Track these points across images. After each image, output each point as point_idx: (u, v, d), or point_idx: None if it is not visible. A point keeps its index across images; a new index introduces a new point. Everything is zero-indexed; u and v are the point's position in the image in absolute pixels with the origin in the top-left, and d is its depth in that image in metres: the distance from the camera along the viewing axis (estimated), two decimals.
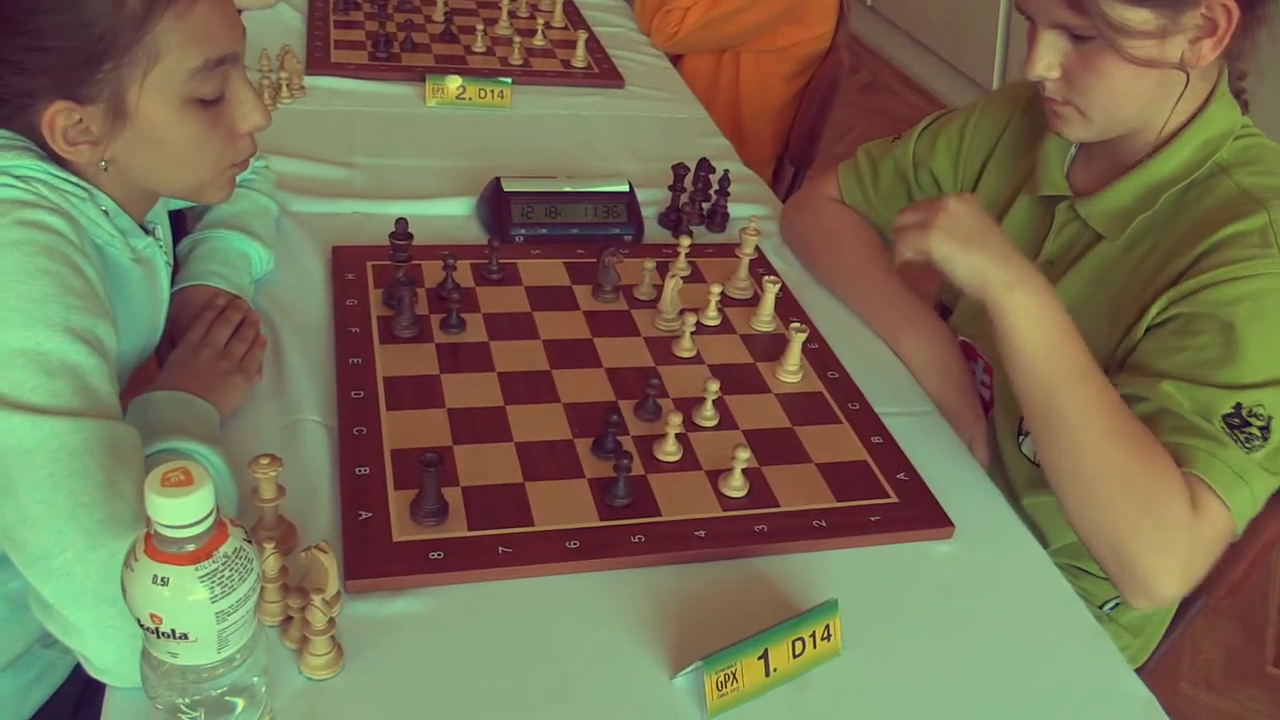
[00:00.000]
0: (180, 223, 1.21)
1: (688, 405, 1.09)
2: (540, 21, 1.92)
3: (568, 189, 1.36)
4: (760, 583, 0.92)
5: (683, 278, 1.28)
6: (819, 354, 1.21)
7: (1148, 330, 1.02)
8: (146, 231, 0.98)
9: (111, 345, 0.83)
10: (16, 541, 0.75)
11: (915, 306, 1.25)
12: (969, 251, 0.95)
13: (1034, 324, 0.93)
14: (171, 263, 1.06)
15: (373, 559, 0.87)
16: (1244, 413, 0.92)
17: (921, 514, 1.01)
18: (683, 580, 0.91)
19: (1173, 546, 0.89)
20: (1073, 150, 1.16)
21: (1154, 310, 1.01)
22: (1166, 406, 0.94)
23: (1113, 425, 0.92)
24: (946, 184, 1.30)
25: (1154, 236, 1.05)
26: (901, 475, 1.04)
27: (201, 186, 0.94)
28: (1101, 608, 1.17)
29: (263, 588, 0.79)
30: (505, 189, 1.34)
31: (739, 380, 1.15)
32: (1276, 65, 1.13)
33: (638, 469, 1.00)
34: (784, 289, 1.30)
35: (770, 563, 0.94)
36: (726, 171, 1.45)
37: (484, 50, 1.81)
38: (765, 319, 1.24)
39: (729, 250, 1.34)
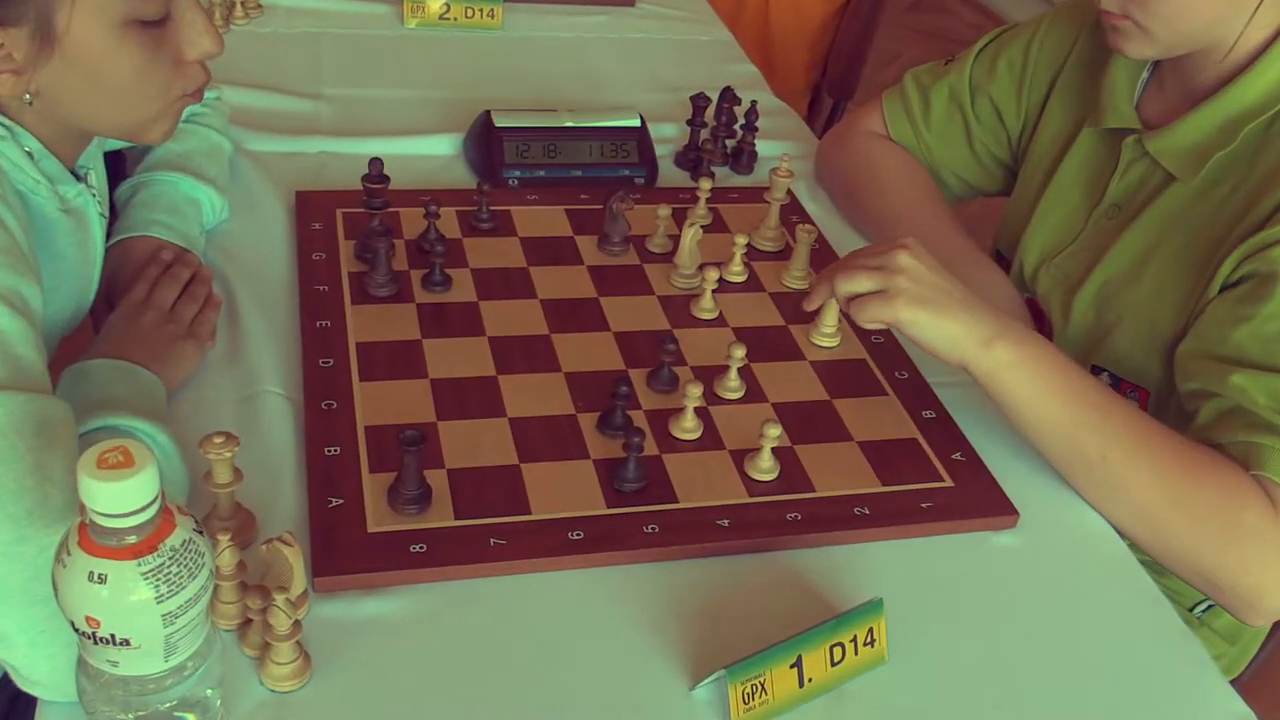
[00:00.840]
0: (118, 165, 1.21)
1: (709, 374, 1.08)
2: None
3: (569, 124, 1.35)
4: (793, 579, 0.92)
5: (703, 227, 1.27)
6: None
7: (1222, 289, 1.01)
8: (78, 177, 0.98)
9: (37, 307, 0.83)
10: None
11: (975, 259, 1.24)
12: (940, 317, 0.97)
13: (1026, 376, 0.97)
14: (107, 213, 1.06)
15: (344, 552, 0.87)
16: None
17: (980, 500, 1.00)
18: (703, 576, 0.91)
19: (1263, 558, 0.91)
20: (1144, 76, 1.14)
21: (1229, 264, 1.00)
22: (1239, 404, 0.96)
23: (1150, 453, 0.95)
24: (1008, 112, 1.29)
25: (1234, 178, 1.04)
26: (957, 455, 1.04)
27: (142, 124, 0.94)
28: (1192, 610, 1.17)
29: (217, 586, 0.79)
30: (497, 124, 1.33)
31: (768, 345, 1.14)
32: None
33: (651, 448, 1.00)
34: (820, 240, 1.29)
35: (804, 556, 0.94)
36: (754, 103, 1.44)
37: None
38: (798, 274, 1.23)
39: (757, 195, 1.34)
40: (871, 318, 0.98)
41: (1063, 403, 0.96)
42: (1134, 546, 1.01)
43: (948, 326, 0.97)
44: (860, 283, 0.99)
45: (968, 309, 0.98)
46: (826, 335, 1.14)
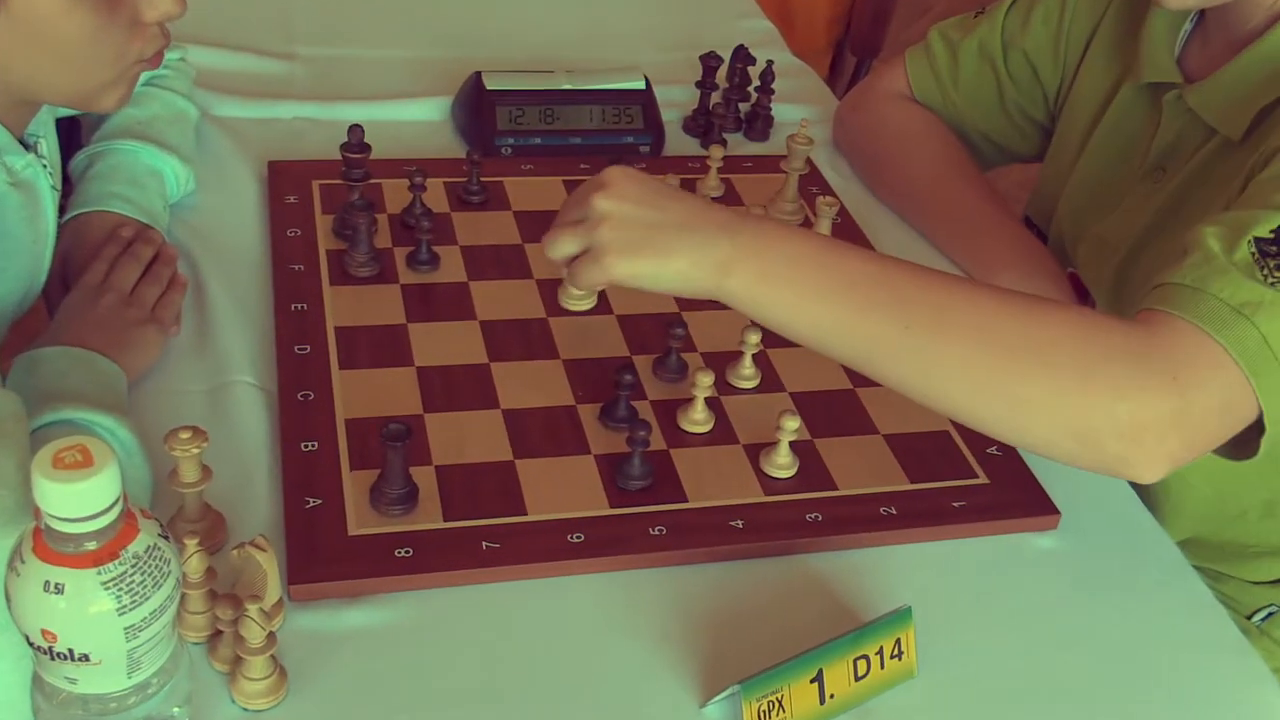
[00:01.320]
0: (72, 133, 1.21)
1: (721, 361, 1.08)
2: None
3: (567, 87, 1.35)
4: (813, 586, 0.92)
5: (714, 199, 1.26)
6: None
7: None
8: (27, 146, 0.98)
9: None
10: None
11: (1012, 232, 1.23)
12: (661, 258, 0.88)
13: (783, 285, 0.87)
14: (60, 186, 1.05)
15: (323, 558, 0.87)
16: None
17: (1018, 498, 1.00)
18: (715, 583, 0.91)
19: (1137, 378, 0.83)
20: (1187, 28, 1.13)
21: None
22: (1185, 251, 0.89)
23: (965, 302, 0.86)
24: (1044, 69, 1.28)
25: None
26: (993, 450, 1.04)
27: (94, 91, 0.93)
28: (1250, 618, 1.17)
29: (184, 595, 0.79)
30: (488, 87, 1.33)
31: None
32: None
33: (657, 443, 1.00)
34: (842, 212, 1.29)
35: (825, 560, 0.94)
36: (770, 63, 1.43)
37: None
38: None
39: (773, 164, 1.33)
40: (587, 284, 0.92)
41: (836, 296, 0.87)
42: (1187, 521, 0.96)
43: (672, 265, 0.88)
44: (565, 244, 0.93)
45: (689, 234, 0.89)
46: (576, 298, 1.11)
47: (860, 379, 1.09)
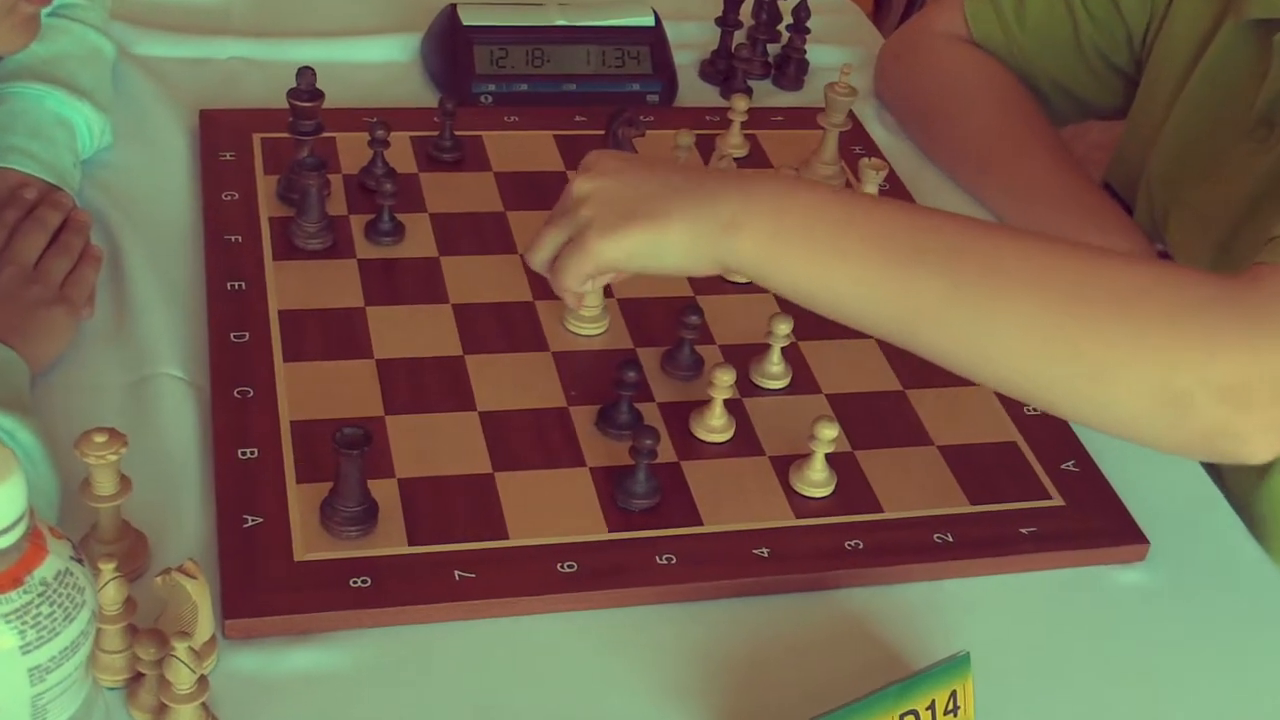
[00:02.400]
0: None
1: (744, 355, 1.08)
2: None
3: (560, 22, 1.35)
4: (852, 626, 0.92)
5: (737, 159, 1.27)
6: None
7: None
8: None
9: None
10: None
11: (1090, 201, 1.24)
12: (656, 227, 0.89)
13: (800, 244, 0.87)
14: None
15: (264, 587, 0.87)
16: None
17: (1099, 523, 1.00)
18: (735, 622, 0.92)
19: (1236, 330, 0.81)
20: None
21: None
22: None
23: (1023, 249, 0.85)
24: (1129, 3, 1.28)
25: None
26: (1069, 465, 1.04)
27: None
28: None
29: (99, 630, 0.80)
30: (465, 23, 1.33)
31: (822, 319, 1.14)
32: None
33: (666, 453, 1.00)
34: (891, 176, 1.29)
35: (868, 596, 0.94)
36: None
37: None
38: None
39: (808, 118, 1.33)
40: (574, 277, 0.92)
41: (868, 250, 0.86)
42: None
43: (671, 233, 0.89)
44: (546, 245, 0.94)
45: (687, 194, 0.89)
46: (584, 318, 1.09)
47: (911, 378, 1.09)
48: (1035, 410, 1.08)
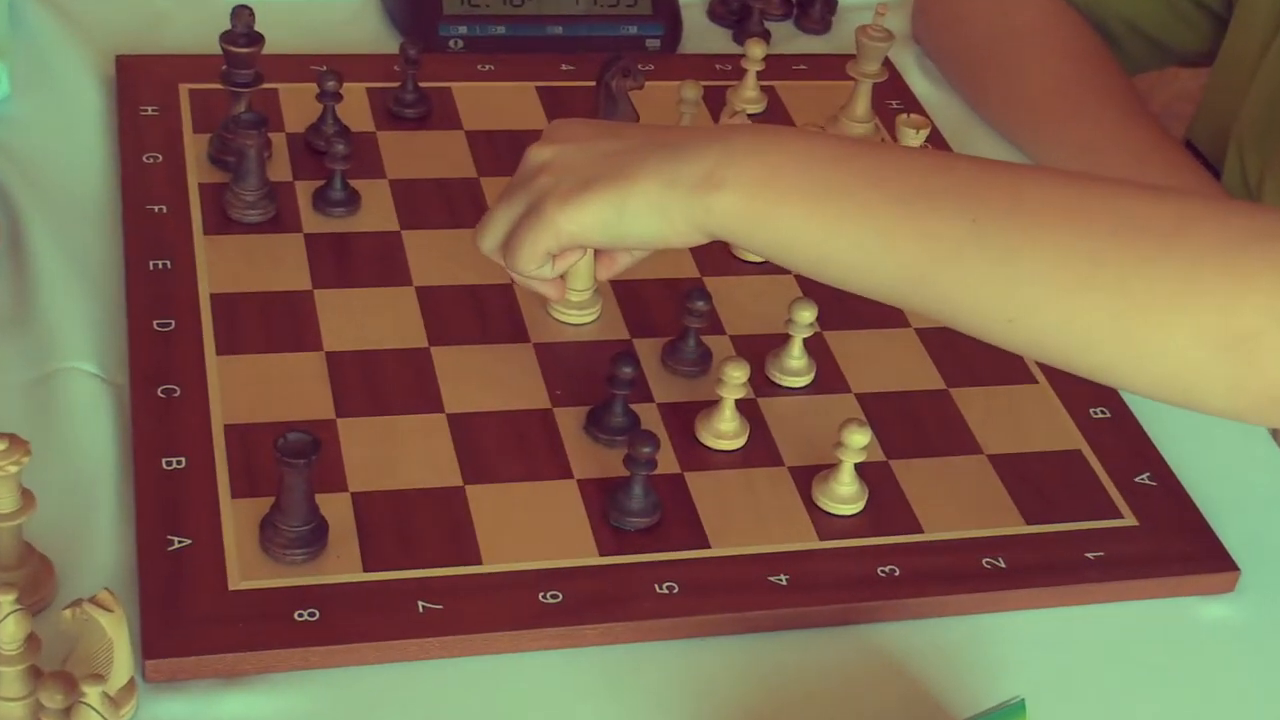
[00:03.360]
0: None
1: (759, 347, 1.09)
2: None
3: None
4: (886, 667, 0.93)
5: (751, 115, 1.27)
6: None
7: None
8: None
9: None
10: None
11: (1169, 161, 1.24)
12: (621, 188, 0.90)
13: (789, 190, 0.87)
14: None
15: (192, 621, 0.87)
16: None
17: (1180, 547, 1.00)
18: (748, 662, 0.92)
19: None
20: None
21: None
22: None
23: (1044, 185, 0.86)
24: None
25: None
26: (1144, 477, 1.04)
27: None
28: None
29: None
30: None
31: (851, 304, 1.14)
32: None
33: (667, 464, 1.00)
34: (934, 136, 1.29)
35: (905, 631, 0.95)
36: None
37: None
38: None
39: (836, 67, 1.33)
40: (530, 256, 0.93)
41: (869, 193, 0.87)
42: None
43: (637, 194, 0.89)
44: (496, 223, 0.96)
45: (658, 150, 0.90)
46: (571, 304, 1.09)
47: (956, 374, 1.09)
48: (1105, 412, 1.08)
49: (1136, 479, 1.04)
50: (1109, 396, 1.09)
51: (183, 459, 0.96)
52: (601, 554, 0.94)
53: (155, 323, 1.04)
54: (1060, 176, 0.87)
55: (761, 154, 0.88)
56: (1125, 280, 0.82)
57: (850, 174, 0.87)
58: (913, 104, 1.34)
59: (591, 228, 0.91)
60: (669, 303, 1.11)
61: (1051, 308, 0.84)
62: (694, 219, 0.89)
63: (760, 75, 1.29)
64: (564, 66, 1.31)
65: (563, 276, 1.01)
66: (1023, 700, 0.86)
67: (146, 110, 1.21)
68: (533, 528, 0.95)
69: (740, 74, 1.30)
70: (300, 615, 0.88)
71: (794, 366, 1.07)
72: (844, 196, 0.87)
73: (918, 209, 0.85)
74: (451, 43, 1.32)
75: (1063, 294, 0.83)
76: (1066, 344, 0.85)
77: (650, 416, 1.03)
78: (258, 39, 1.16)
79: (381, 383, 1.03)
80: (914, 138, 1.21)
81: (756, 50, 1.27)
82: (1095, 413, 1.08)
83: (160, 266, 1.08)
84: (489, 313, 1.09)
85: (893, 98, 1.33)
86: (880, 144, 0.89)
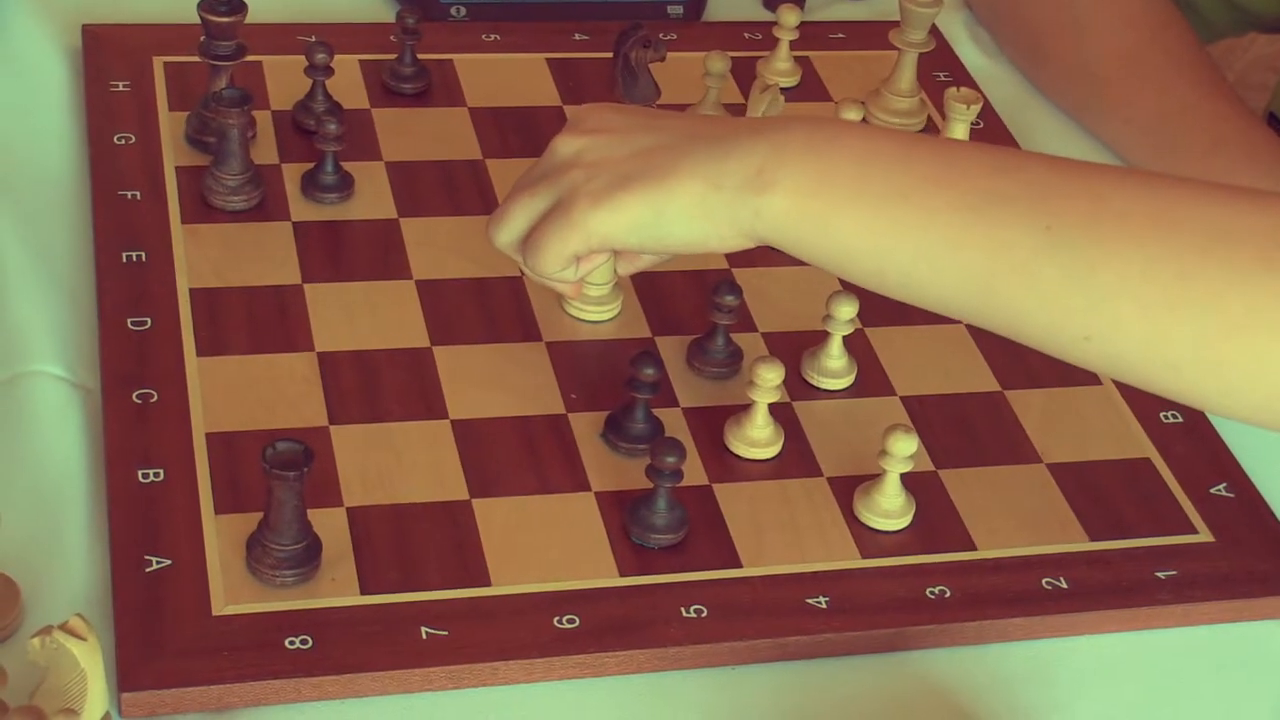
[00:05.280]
0: None
1: (794, 346, 1.09)
2: None
3: None
4: (936, 698, 0.93)
5: (785, 89, 1.27)
6: None
7: None
8: None
9: None
10: None
11: (1248, 138, 1.23)
12: (663, 187, 0.90)
13: (851, 191, 0.87)
14: None
15: (173, 650, 0.87)
16: None
17: (1261, 565, 1.01)
18: (783, 693, 0.92)
19: None
20: None
21: None
22: None
23: (1129, 187, 0.86)
24: None
25: None
26: (1221, 488, 1.05)
27: None
28: None
29: None
30: None
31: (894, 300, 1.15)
32: None
33: (695, 475, 1.01)
34: (986, 112, 1.29)
35: (957, 658, 0.95)
36: None
37: None
38: None
39: (878, 36, 1.33)
40: (554, 258, 0.93)
41: (933, 197, 0.87)
42: None
43: (680, 195, 0.90)
44: (516, 217, 0.96)
45: (701, 144, 0.91)
46: (590, 299, 1.10)
47: (1012, 376, 1.09)
48: (1177, 416, 1.08)
49: (1212, 490, 1.04)
50: None
51: (160, 471, 0.96)
52: (622, 574, 0.95)
53: (129, 321, 1.04)
54: (1144, 180, 0.86)
55: (816, 151, 0.88)
56: (1219, 298, 0.81)
57: (913, 175, 0.87)
58: (963, 76, 1.34)
59: (626, 231, 0.92)
60: (695, 297, 1.11)
61: (1134, 326, 0.83)
62: (740, 223, 0.89)
63: (794, 45, 1.29)
64: (577, 36, 1.32)
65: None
66: None
67: (117, 86, 1.21)
68: (546, 546, 0.95)
69: (772, 43, 1.30)
70: (292, 643, 0.88)
71: (833, 367, 1.08)
72: (906, 200, 0.86)
73: (987, 215, 0.85)
74: (453, 10, 1.32)
75: (1146, 312, 0.83)
76: (1149, 366, 0.84)
77: (675, 422, 1.04)
78: (240, 7, 1.15)
79: (379, 386, 1.03)
80: (964, 113, 1.21)
81: (790, 17, 1.27)
82: (1166, 417, 1.08)
83: (134, 259, 1.08)
84: (496, 309, 1.09)
85: (941, 69, 1.33)
86: (945, 141, 0.88)
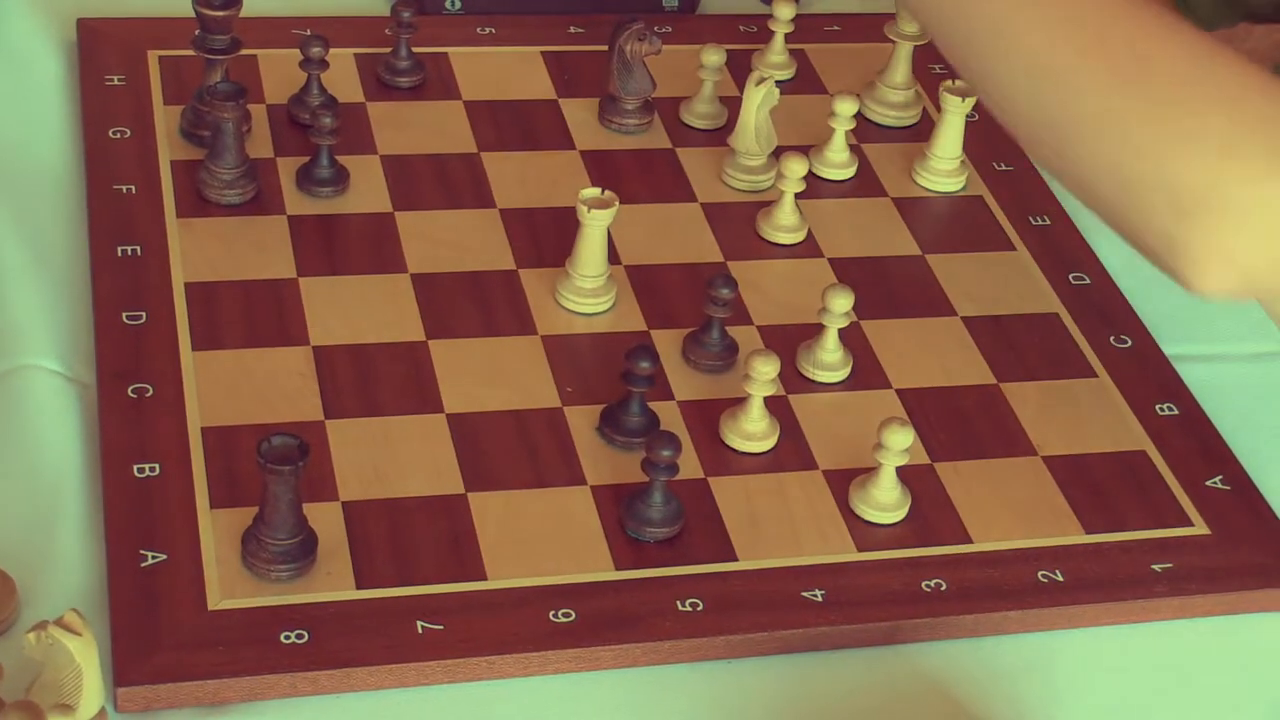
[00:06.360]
0: None
1: (790, 339, 1.09)
2: None
3: None
4: (931, 691, 0.93)
5: (780, 81, 1.27)
6: (1051, 237, 1.20)
7: None
8: None
9: None
10: None
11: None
12: None
13: None
14: None
15: (168, 645, 0.87)
16: None
17: (1256, 558, 1.00)
18: (779, 686, 0.92)
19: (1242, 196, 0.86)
20: None
21: None
22: None
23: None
24: None
25: None
26: (1217, 480, 1.04)
27: None
28: None
29: None
30: None
31: (892, 290, 1.15)
32: None
33: (691, 468, 1.00)
34: (981, 105, 1.29)
35: (953, 652, 0.95)
36: None
37: None
38: (945, 166, 1.23)
39: (873, 29, 1.33)
40: None
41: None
42: None
43: None
44: None
45: None
46: (582, 291, 1.10)
47: (1009, 369, 1.09)
48: (1173, 409, 1.08)
49: (1208, 483, 1.04)
50: (1177, 392, 1.09)
51: (156, 465, 0.96)
52: (618, 568, 0.95)
53: (124, 315, 1.04)
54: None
55: None
56: (1153, 83, 0.86)
57: None
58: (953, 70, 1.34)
59: None
60: (690, 290, 1.11)
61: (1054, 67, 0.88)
62: None
63: (789, 38, 1.29)
64: (572, 29, 1.31)
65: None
66: None
67: (112, 79, 1.21)
68: (542, 540, 0.95)
69: (767, 36, 1.30)
70: (287, 637, 0.88)
71: (828, 360, 1.07)
72: None
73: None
74: (449, 3, 1.32)
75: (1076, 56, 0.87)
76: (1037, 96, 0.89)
77: (670, 416, 1.03)
78: (235, 1, 1.15)
79: (374, 380, 1.03)
80: (959, 107, 1.21)
81: (785, 10, 1.27)
82: (1162, 409, 1.08)
83: (129, 253, 1.08)
84: (492, 302, 1.09)
85: (936, 62, 1.33)
86: None
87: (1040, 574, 0.97)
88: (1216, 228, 0.84)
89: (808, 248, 1.16)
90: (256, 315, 1.06)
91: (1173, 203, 0.85)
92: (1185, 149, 0.85)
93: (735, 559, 0.96)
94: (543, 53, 1.29)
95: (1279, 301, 0.89)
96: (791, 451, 1.03)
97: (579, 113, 1.25)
